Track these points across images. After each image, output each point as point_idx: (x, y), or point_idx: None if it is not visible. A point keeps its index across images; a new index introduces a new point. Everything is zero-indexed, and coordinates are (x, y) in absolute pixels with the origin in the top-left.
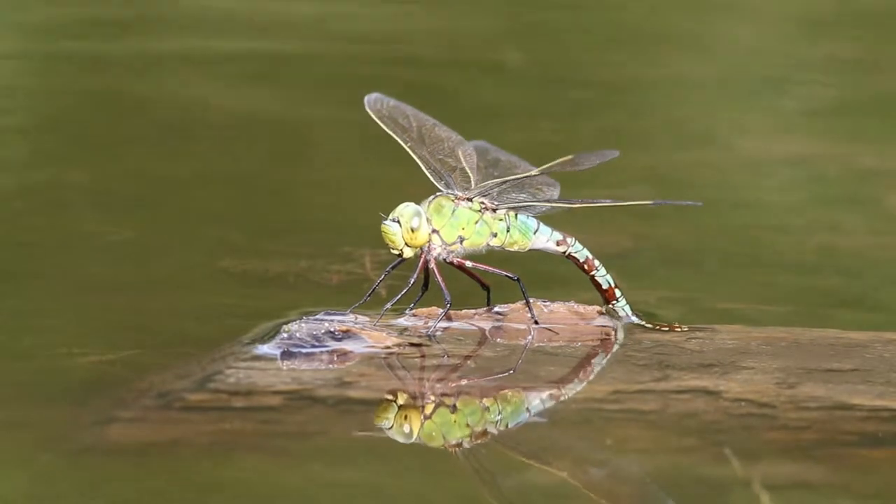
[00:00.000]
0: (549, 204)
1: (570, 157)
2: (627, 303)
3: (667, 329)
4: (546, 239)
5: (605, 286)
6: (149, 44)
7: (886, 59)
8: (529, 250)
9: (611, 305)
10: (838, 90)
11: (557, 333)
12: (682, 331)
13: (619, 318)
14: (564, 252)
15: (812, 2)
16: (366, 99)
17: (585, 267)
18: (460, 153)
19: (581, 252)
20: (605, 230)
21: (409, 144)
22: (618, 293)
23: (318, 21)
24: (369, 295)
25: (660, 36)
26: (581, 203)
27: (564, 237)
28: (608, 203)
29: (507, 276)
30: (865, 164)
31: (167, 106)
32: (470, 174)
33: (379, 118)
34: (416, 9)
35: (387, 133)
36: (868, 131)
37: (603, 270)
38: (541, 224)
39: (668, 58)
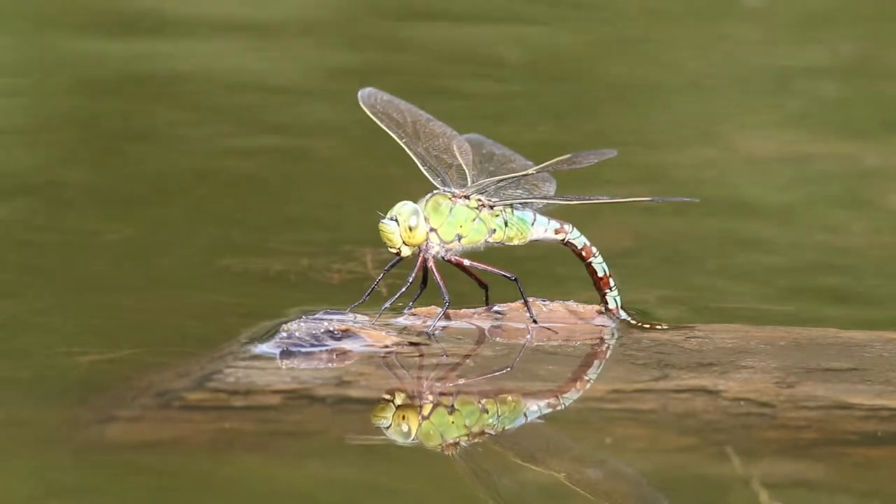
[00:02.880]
0: (546, 200)
1: (567, 156)
2: (619, 293)
3: (647, 327)
4: (544, 229)
5: (600, 274)
6: (149, 43)
7: (887, 58)
8: (529, 242)
9: (604, 293)
10: (838, 90)
11: (556, 333)
12: (661, 329)
13: (608, 308)
14: (563, 240)
15: (813, 1)
16: (359, 93)
17: (583, 253)
18: (456, 149)
19: (579, 238)
20: (606, 229)
21: (403, 140)
22: (612, 282)
23: (317, 19)
24: (368, 294)
25: (660, 35)
26: (579, 199)
27: (562, 225)
28: (606, 199)
29: (505, 275)
30: (865, 164)
31: (167, 105)
32: (466, 171)
33: (373, 113)
34: (416, 7)
35: (386, 131)
36: (868, 131)
37: (600, 258)
38: (537, 215)
39: (668, 57)
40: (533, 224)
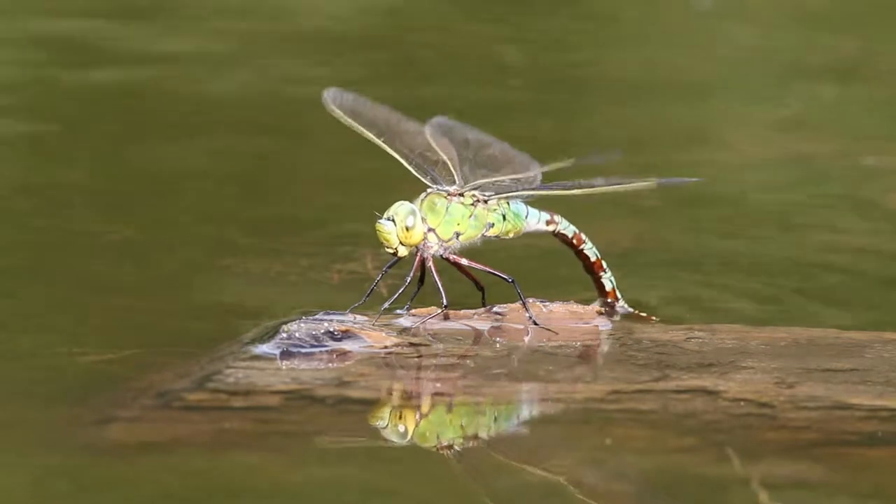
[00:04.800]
0: (543, 192)
1: (569, 160)
2: (612, 276)
3: (644, 315)
4: (536, 221)
5: (592, 259)
6: (148, 43)
7: (886, 58)
8: (523, 234)
9: (598, 276)
10: (838, 90)
11: (556, 333)
12: (654, 321)
13: (605, 291)
14: (554, 231)
15: (812, 1)
16: (325, 94)
17: (574, 242)
18: (436, 145)
19: (569, 228)
20: (607, 230)
21: (382, 139)
22: (604, 265)
23: (317, 20)
24: (368, 295)
25: (659, 35)
26: (577, 188)
27: (552, 216)
28: (605, 187)
29: (502, 277)
30: (865, 164)
31: (167, 105)
32: (450, 165)
33: (344, 113)
34: (416, 6)
35: (362, 132)
36: (868, 131)
37: (590, 244)
38: (529, 208)
39: (668, 57)
40: (527, 217)
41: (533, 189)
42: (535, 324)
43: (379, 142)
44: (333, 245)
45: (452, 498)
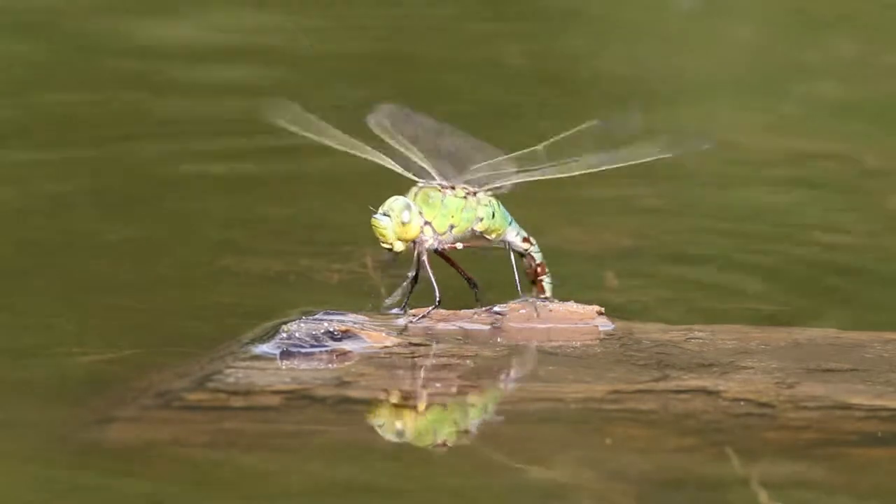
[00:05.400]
0: (536, 176)
1: (592, 122)
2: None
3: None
4: (516, 233)
5: (548, 293)
6: (147, 42)
7: (886, 58)
8: (499, 242)
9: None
10: (838, 90)
11: (557, 333)
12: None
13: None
14: (526, 250)
15: (812, 1)
16: (274, 111)
17: (538, 270)
18: (392, 141)
19: (538, 254)
20: (606, 229)
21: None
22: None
23: (313, 17)
24: (391, 299)
25: (656, 35)
26: (578, 168)
27: (528, 236)
28: (610, 165)
29: (471, 281)
30: (865, 164)
31: (167, 105)
32: (414, 158)
33: (304, 129)
34: (415, 5)
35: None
36: (868, 131)
37: (549, 278)
38: (512, 219)
39: (666, 58)
40: (510, 223)
41: (535, 168)
42: (537, 314)
43: (357, 152)
44: (333, 245)
45: (452, 498)
